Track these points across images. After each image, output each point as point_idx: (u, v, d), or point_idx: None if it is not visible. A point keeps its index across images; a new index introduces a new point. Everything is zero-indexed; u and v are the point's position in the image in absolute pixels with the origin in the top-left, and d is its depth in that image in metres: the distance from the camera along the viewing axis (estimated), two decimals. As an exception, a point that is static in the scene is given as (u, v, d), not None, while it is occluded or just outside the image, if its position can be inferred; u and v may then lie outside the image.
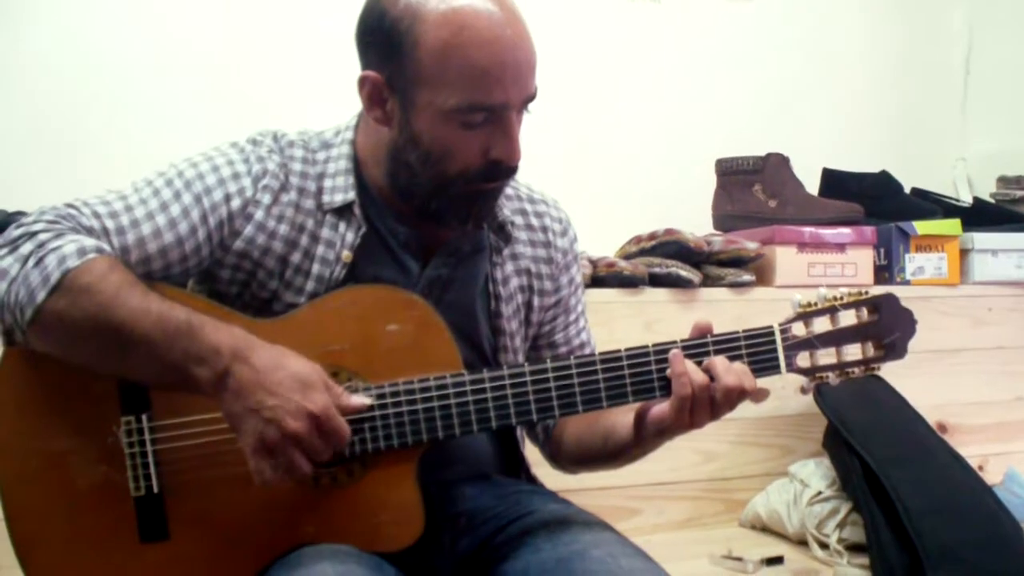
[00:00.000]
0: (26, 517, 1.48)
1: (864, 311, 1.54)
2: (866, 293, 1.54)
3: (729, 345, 1.50)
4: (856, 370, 1.53)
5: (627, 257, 2.67)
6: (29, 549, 1.47)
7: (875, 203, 2.97)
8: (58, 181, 2.44)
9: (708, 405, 1.46)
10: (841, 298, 1.53)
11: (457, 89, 1.45)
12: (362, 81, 1.53)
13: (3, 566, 1.99)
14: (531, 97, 1.51)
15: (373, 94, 1.53)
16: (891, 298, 1.54)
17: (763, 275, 2.76)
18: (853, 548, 2.26)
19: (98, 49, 2.74)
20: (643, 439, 1.56)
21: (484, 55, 1.43)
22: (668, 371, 1.47)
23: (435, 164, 1.51)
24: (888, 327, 1.53)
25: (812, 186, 3.05)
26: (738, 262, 2.70)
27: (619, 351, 1.50)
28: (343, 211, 1.59)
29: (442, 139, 1.49)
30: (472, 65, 1.44)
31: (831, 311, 1.52)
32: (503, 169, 1.52)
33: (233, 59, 2.84)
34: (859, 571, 2.17)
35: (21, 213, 2.20)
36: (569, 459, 1.77)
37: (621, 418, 1.59)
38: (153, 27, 2.79)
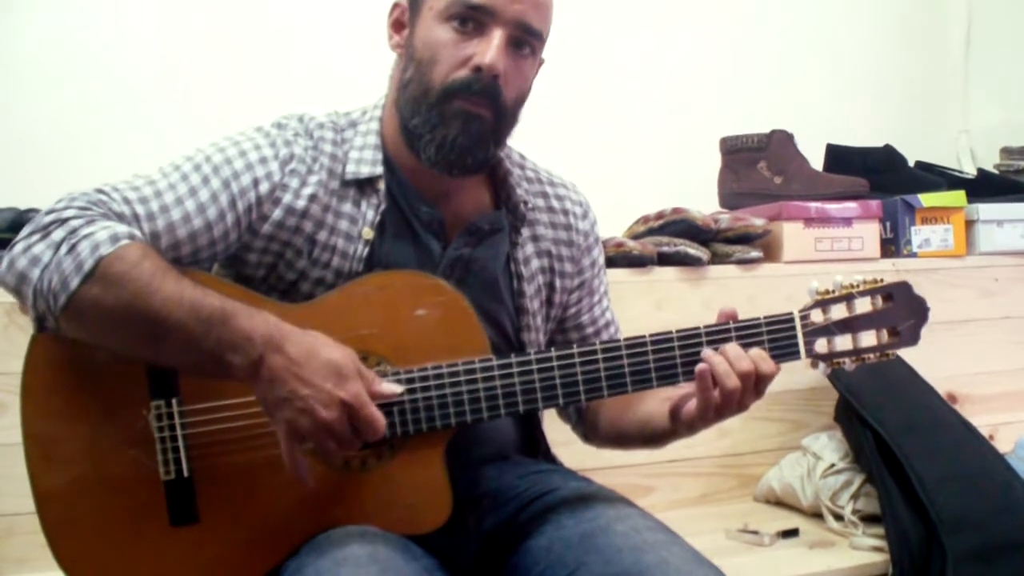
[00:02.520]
0: (56, 501, 1.49)
1: (879, 298, 1.57)
2: (881, 281, 1.58)
3: (751, 331, 1.52)
4: (871, 356, 1.56)
5: (635, 237, 2.68)
6: (59, 533, 1.48)
7: (880, 177, 2.97)
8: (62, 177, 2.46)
9: (732, 396, 1.47)
10: (857, 285, 1.56)
11: None
12: (393, 7, 1.63)
13: (27, 559, 2.03)
14: (527, 26, 1.56)
15: (397, 20, 1.63)
16: (905, 286, 1.58)
17: (771, 251, 2.76)
18: (867, 519, 2.27)
19: (98, 41, 2.76)
20: (677, 431, 1.58)
21: None
22: (696, 368, 1.48)
23: (423, 72, 1.56)
24: (902, 314, 1.57)
25: (817, 162, 3.05)
26: (746, 239, 2.71)
27: (644, 336, 1.52)
28: (365, 187, 1.61)
29: (433, 43, 1.55)
30: None
31: (848, 298, 1.55)
32: (483, 79, 1.54)
33: (235, 51, 2.85)
34: (874, 541, 2.18)
35: (34, 211, 2.21)
36: (604, 440, 1.81)
37: (656, 408, 1.61)
38: (157, 19, 2.80)
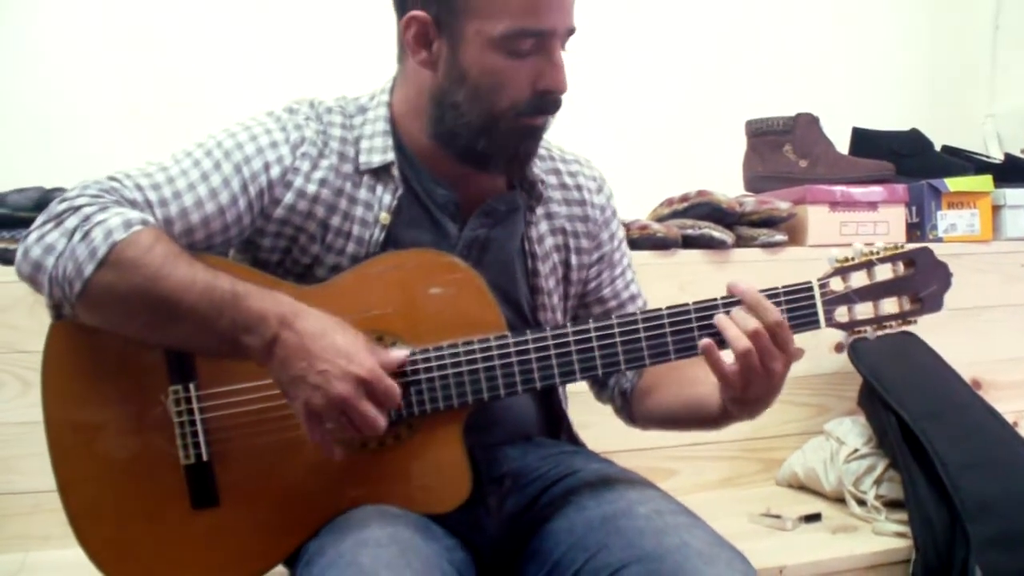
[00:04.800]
0: (78, 487, 1.50)
1: (900, 265, 1.54)
2: (902, 246, 1.55)
3: (769, 301, 1.50)
4: (893, 323, 1.54)
5: (660, 219, 2.67)
6: (82, 519, 1.50)
7: (906, 161, 2.95)
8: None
9: (770, 345, 1.45)
10: (877, 252, 1.54)
11: (505, 16, 1.47)
12: (408, 22, 1.54)
13: (52, 536, 2.05)
14: (572, 30, 1.54)
15: (420, 34, 1.54)
16: (926, 251, 1.55)
17: (795, 235, 2.75)
18: (890, 504, 2.26)
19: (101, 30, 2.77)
20: (729, 412, 1.56)
21: None
22: (720, 337, 1.46)
23: (484, 98, 1.52)
24: (924, 280, 1.54)
25: (842, 145, 3.04)
26: (770, 222, 2.70)
27: (660, 309, 1.51)
28: (380, 173, 1.60)
29: (490, 70, 1.51)
30: None
31: (867, 265, 1.53)
32: (551, 100, 1.54)
33: (255, 34, 2.86)
34: (897, 526, 2.17)
35: (60, 189, 2.22)
36: (655, 423, 1.80)
37: (707, 391, 1.58)
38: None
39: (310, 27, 2.90)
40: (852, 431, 2.44)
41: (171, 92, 2.74)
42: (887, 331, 1.55)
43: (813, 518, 2.26)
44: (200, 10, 2.81)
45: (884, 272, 1.54)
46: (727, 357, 1.46)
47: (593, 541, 1.47)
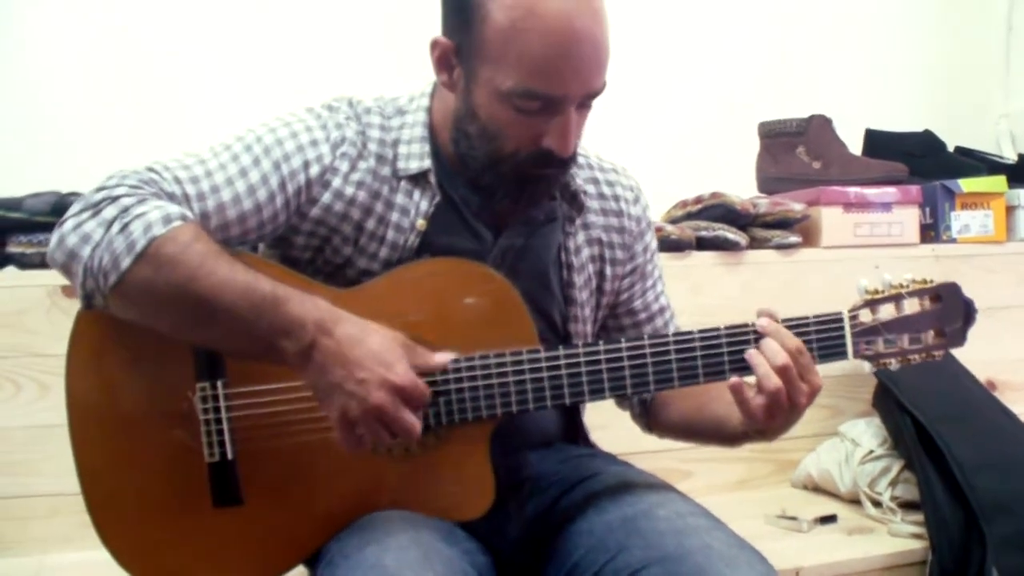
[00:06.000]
0: (100, 480, 1.49)
1: (927, 299, 1.55)
2: (931, 281, 1.55)
3: (799, 330, 1.50)
4: (916, 357, 1.55)
5: (673, 221, 2.68)
6: (103, 512, 1.49)
7: (919, 162, 2.96)
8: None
9: (798, 380, 1.45)
10: (907, 285, 1.54)
11: (515, 72, 1.43)
12: (434, 44, 1.53)
13: (70, 539, 2.06)
14: (595, 93, 1.49)
15: (442, 59, 1.53)
16: (954, 288, 1.56)
17: (809, 236, 2.76)
18: (906, 505, 2.26)
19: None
20: (748, 435, 1.57)
21: (547, 44, 1.41)
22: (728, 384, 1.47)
23: (489, 140, 1.51)
24: (950, 316, 1.55)
25: (856, 147, 3.04)
26: (784, 224, 2.70)
27: (692, 332, 1.50)
28: (418, 179, 1.59)
29: (496, 118, 1.49)
30: (532, 52, 1.41)
31: (896, 299, 1.54)
32: (554, 159, 1.51)
33: (272, 34, 2.87)
34: (913, 527, 2.17)
35: (75, 194, 2.23)
36: (673, 433, 1.80)
37: (727, 410, 1.57)
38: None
39: (313, 28, 2.91)
40: (867, 432, 2.44)
41: (185, 97, 2.75)
42: (910, 364, 1.56)
43: (829, 519, 2.26)
44: (212, 14, 2.82)
45: (912, 305, 1.55)
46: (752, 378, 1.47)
47: (613, 543, 1.47)
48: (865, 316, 1.53)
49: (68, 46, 2.71)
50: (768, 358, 1.46)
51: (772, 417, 1.46)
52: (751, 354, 1.47)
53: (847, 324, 1.52)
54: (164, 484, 1.50)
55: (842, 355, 1.52)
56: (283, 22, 2.90)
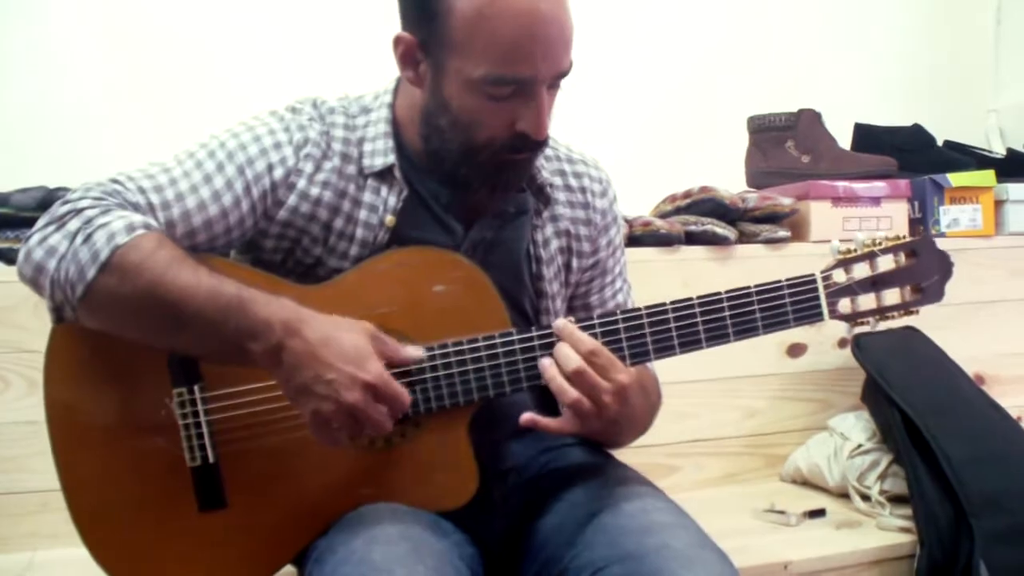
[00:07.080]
0: (84, 490, 1.50)
1: (902, 255, 1.55)
2: (904, 237, 1.55)
3: (772, 294, 1.51)
4: (895, 314, 1.54)
5: (663, 216, 2.67)
6: (88, 522, 1.50)
7: (908, 156, 2.96)
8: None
9: (596, 379, 1.45)
10: (879, 243, 1.54)
11: (484, 60, 1.44)
12: (396, 41, 1.53)
13: (60, 535, 2.05)
14: (563, 73, 1.50)
15: (407, 55, 1.53)
16: (928, 241, 1.56)
17: (798, 231, 2.76)
18: (895, 499, 2.26)
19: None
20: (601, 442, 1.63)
21: (514, 27, 1.42)
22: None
23: (463, 131, 1.51)
24: (926, 270, 1.55)
25: (845, 141, 3.04)
26: (773, 218, 2.70)
27: (665, 304, 1.51)
28: (384, 175, 1.59)
29: (469, 108, 1.49)
30: (501, 37, 1.42)
31: (870, 256, 1.54)
32: (529, 142, 1.52)
33: (258, 35, 2.86)
34: (902, 521, 2.17)
35: (63, 189, 2.22)
36: None
37: None
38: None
39: (314, 25, 2.91)
40: (856, 426, 2.44)
41: (176, 91, 2.74)
42: (889, 322, 1.55)
43: (817, 513, 2.26)
44: (206, 10, 2.81)
45: (886, 263, 1.55)
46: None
47: (579, 539, 1.47)
48: (839, 276, 1.53)
49: (55, 41, 2.70)
50: (561, 365, 1.46)
51: (585, 425, 1.48)
52: (544, 365, 1.48)
53: (820, 285, 1.52)
54: (149, 493, 1.50)
55: (818, 317, 1.53)
56: (283, 22, 2.89)
